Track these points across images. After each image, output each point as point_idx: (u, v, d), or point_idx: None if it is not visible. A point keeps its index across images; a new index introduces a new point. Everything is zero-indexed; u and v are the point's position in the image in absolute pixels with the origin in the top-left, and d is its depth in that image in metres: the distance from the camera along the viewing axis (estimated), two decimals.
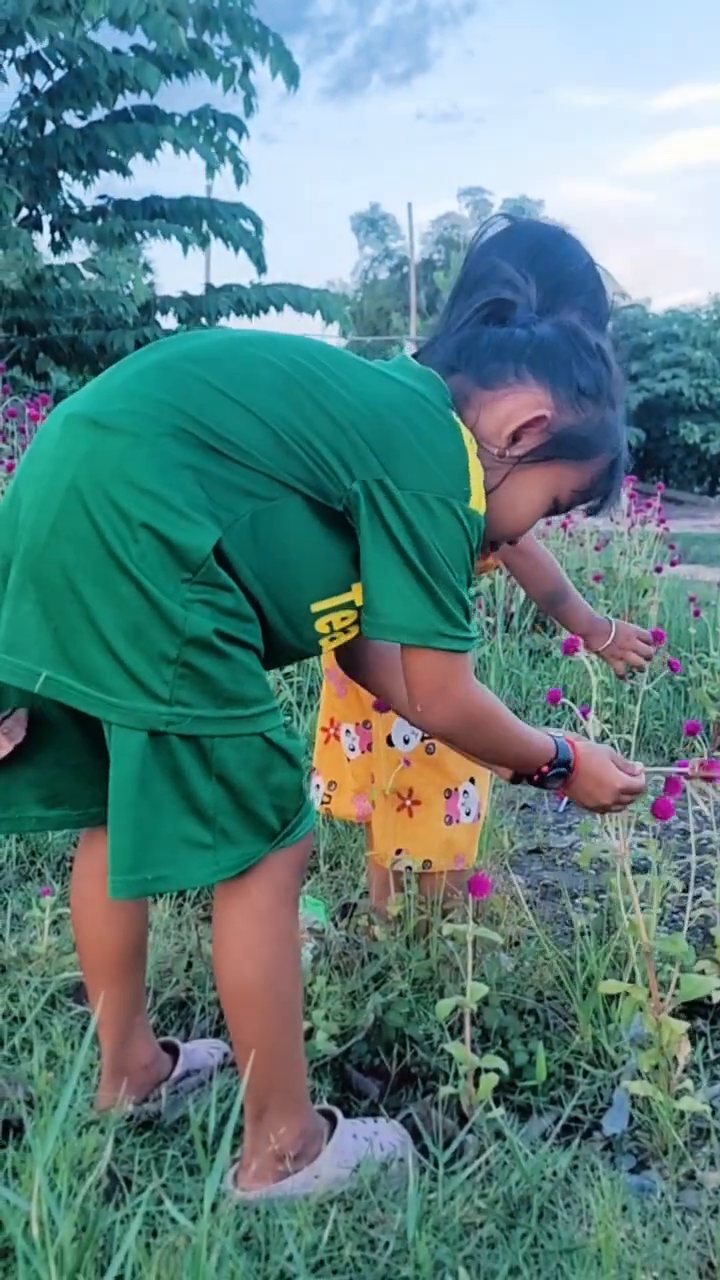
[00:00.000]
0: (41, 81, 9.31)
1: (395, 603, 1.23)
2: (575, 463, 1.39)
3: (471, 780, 1.93)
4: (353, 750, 1.97)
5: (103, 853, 1.28)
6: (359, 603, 1.28)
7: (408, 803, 1.90)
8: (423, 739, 1.87)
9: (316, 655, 1.40)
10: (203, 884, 1.24)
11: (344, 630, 1.32)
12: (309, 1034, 1.57)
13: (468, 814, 1.92)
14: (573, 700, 3.84)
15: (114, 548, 1.11)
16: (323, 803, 2.05)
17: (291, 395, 1.21)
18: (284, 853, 1.25)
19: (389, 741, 1.89)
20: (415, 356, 1.42)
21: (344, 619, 1.30)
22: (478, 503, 1.26)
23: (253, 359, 1.23)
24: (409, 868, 1.88)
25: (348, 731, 1.97)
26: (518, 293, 1.39)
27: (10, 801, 1.31)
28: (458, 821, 1.91)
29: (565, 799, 1.81)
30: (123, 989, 1.44)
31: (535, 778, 1.44)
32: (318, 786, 2.03)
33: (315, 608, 1.27)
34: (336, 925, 1.98)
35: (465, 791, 1.92)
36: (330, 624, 1.30)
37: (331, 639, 1.32)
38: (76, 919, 1.46)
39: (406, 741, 1.89)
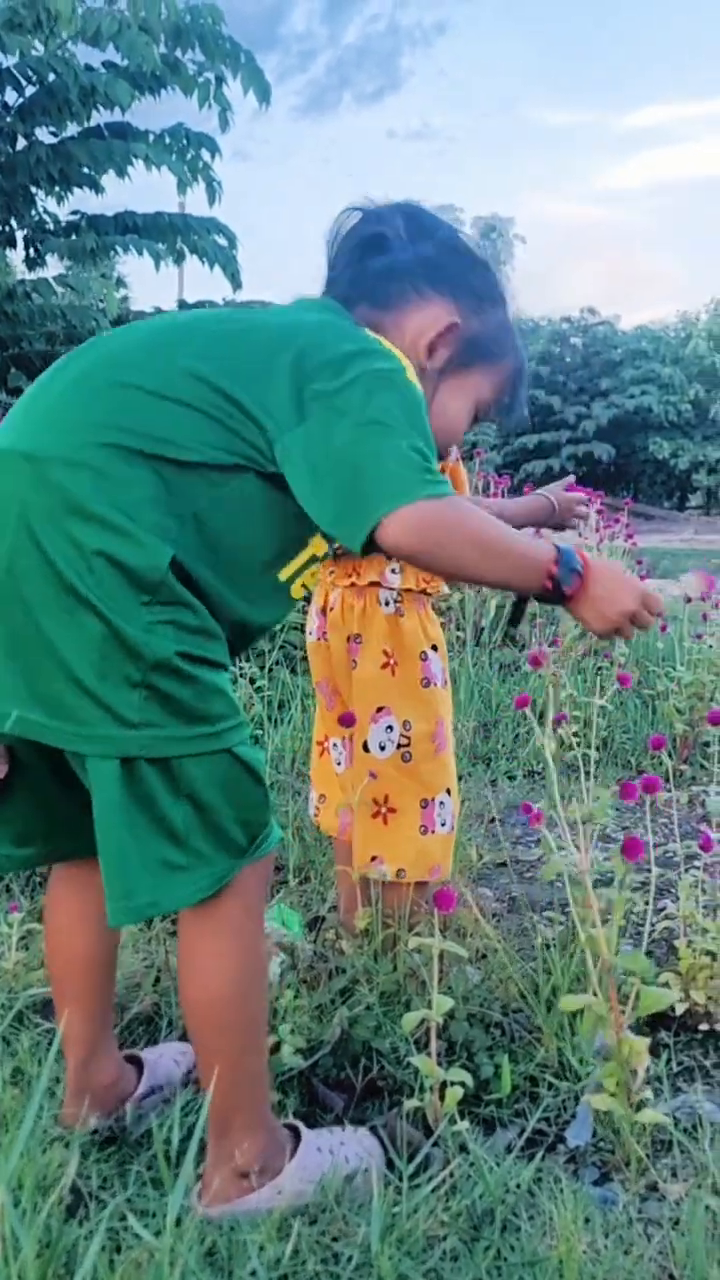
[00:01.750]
0: (12, 97, 9.30)
1: (340, 502, 1.17)
2: (489, 365, 1.44)
3: (448, 791, 1.95)
4: (339, 764, 1.99)
5: (74, 866, 1.35)
6: (319, 554, 1.30)
7: (383, 810, 1.91)
8: (398, 746, 1.89)
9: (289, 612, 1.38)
10: (186, 904, 1.23)
11: (313, 574, 1.34)
12: (275, 1048, 1.58)
13: (443, 824, 1.94)
14: (541, 716, 3.87)
15: (70, 579, 1.11)
16: (314, 814, 2.08)
17: (215, 358, 1.21)
18: (251, 867, 1.26)
19: (365, 748, 1.91)
20: None
21: (312, 573, 1.33)
22: (410, 377, 1.23)
23: (172, 345, 1.23)
24: (383, 876, 1.89)
25: (335, 745, 1.98)
26: (383, 223, 1.41)
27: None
28: (433, 831, 1.92)
29: (579, 631, 1.76)
30: (91, 1005, 1.44)
31: (549, 583, 1.26)
32: (313, 798, 2.07)
33: (283, 576, 1.29)
34: (308, 937, 1.99)
35: (441, 802, 1.94)
36: (303, 585, 1.33)
37: (304, 591, 1.35)
38: (49, 929, 1.46)
39: (382, 749, 1.90)
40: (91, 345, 1.28)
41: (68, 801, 1.27)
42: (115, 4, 8.65)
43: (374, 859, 1.91)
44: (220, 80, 9.12)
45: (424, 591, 1.95)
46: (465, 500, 1.22)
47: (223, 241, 10.55)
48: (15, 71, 8.96)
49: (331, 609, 1.96)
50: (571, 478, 2.19)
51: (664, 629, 4.52)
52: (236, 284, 10.83)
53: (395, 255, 1.38)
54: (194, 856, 1.20)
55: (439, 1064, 1.47)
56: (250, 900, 1.28)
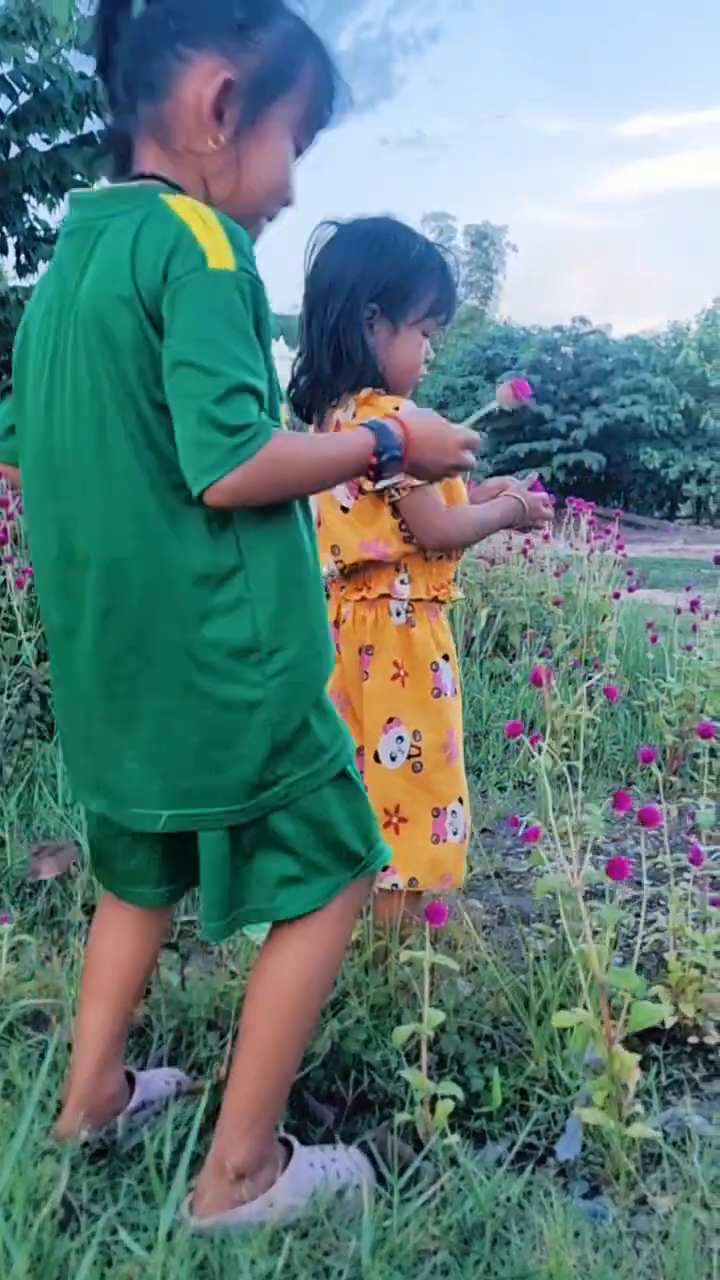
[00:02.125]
0: (6, 104, 9.31)
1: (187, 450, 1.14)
2: (286, 92, 1.29)
3: (460, 800, 1.96)
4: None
5: None
6: None
7: (395, 820, 1.92)
8: (409, 757, 1.90)
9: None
10: (297, 914, 1.31)
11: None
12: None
13: (454, 833, 1.95)
14: (532, 725, 3.88)
15: (190, 678, 1.21)
16: None
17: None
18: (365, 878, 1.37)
19: (375, 758, 1.91)
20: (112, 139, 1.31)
21: None
22: (219, 255, 1.14)
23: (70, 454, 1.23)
24: (394, 885, 1.90)
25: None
26: None
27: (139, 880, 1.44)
28: (444, 840, 1.93)
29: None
30: (119, 1011, 1.48)
31: (373, 467, 1.29)
32: None
33: None
34: None
35: (453, 811, 1.95)
36: None
37: None
38: (100, 932, 1.50)
39: (393, 759, 1.91)
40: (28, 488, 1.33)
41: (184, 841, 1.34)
42: None
43: (386, 869, 1.92)
44: None
45: (435, 599, 1.96)
46: (278, 436, 1.16)
47: None
48: (9, 79, 8.97)
49: (343, 621, 1.96)
50: (534, 476, 2.20)
51: (654, 640, 4.54)
52: None
53: (143, 16, 1.25)
54: (310, 868, 1.30)
55: (429, 1077, 1.48)
56: (353, 905, 1.38)
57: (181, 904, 2.24)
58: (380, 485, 1.46)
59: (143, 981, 1.51)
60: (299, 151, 1.35)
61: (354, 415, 1.88)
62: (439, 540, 1.90)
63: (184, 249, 1.13)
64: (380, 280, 1.88)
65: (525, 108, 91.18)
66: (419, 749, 1.91)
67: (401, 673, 1.92)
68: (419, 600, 1.94)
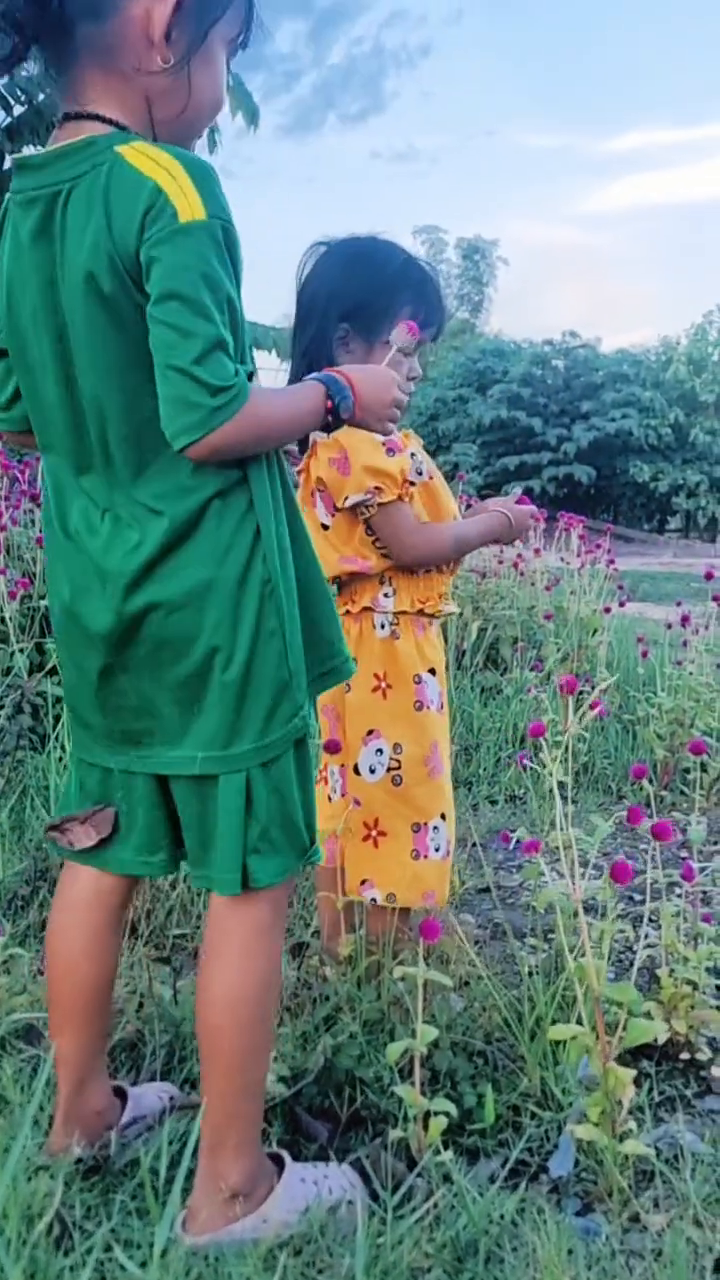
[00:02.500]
0: (1, 117, 9.33)
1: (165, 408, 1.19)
2: (225, 14, 1.29)
3: (442, 816, 1.95)
4: (334, 793, 1.99)
5: (88, 883, 1.42)
6: None
7: (373, 834, 1.91)
8: (388, 770, 1.90)
9: None
10: (264, 884, 1.31)
11: None
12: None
13: (436, 850, 1.94)
14: (523, 740, 3.88)
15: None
16: None
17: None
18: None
19: (355, 771, 1.92)
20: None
21: None
22: (189, 207, 1.15)
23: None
24: (374, 900, 1.90)
25: (333, 772, 1.98)
26: None
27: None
28: (425, 857, 1.93)
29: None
30: (88, 1030, 1.45)
31: (330, 418, 1.35)
32: None
33: None
34: (292, 964, 1.99)
35: (435, 827, 1.94)
36: None
37: None
38: (51, 949, 1.46)
39: (372, 771, 1.91)
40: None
41: (168, 808, 1.37)
42: None
43: (364, 883, 1.92)
44: None
45: (421, 612, 1.96)
46: (254, 395, 1.21)
47: None
48: (4, 92, 8.99)
49: None
50: (519, 491, 2.22)
51: (645, 655, 4.55)
52: None
53: None
54: (269, 845, 1.31)
55: (422, 1093, 1.48)
56: (279, 905, 1.36)
57: (173, 917, 2.24)
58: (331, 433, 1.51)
59: (107, 996, 1.48)
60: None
61: (328, 435, 1.89)
62: (412, 557, 1.91)
63: (155, 209, 1.15)
64: (351, 299, 1.90)
65: (515, 123, 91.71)
66: (399, 762, 1.91)
67: (384, 685, 1.92)
68: (403, 613, 1.94)
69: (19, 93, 9.00)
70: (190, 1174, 1.30)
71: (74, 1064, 1.43)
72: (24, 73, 8.61)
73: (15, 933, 2.15)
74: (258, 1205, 1.30)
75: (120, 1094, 1.54)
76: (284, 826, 1.33)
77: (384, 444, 1.86)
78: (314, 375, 1.36)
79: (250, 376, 1.23)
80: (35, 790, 2.80)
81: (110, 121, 1.24)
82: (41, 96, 8.97)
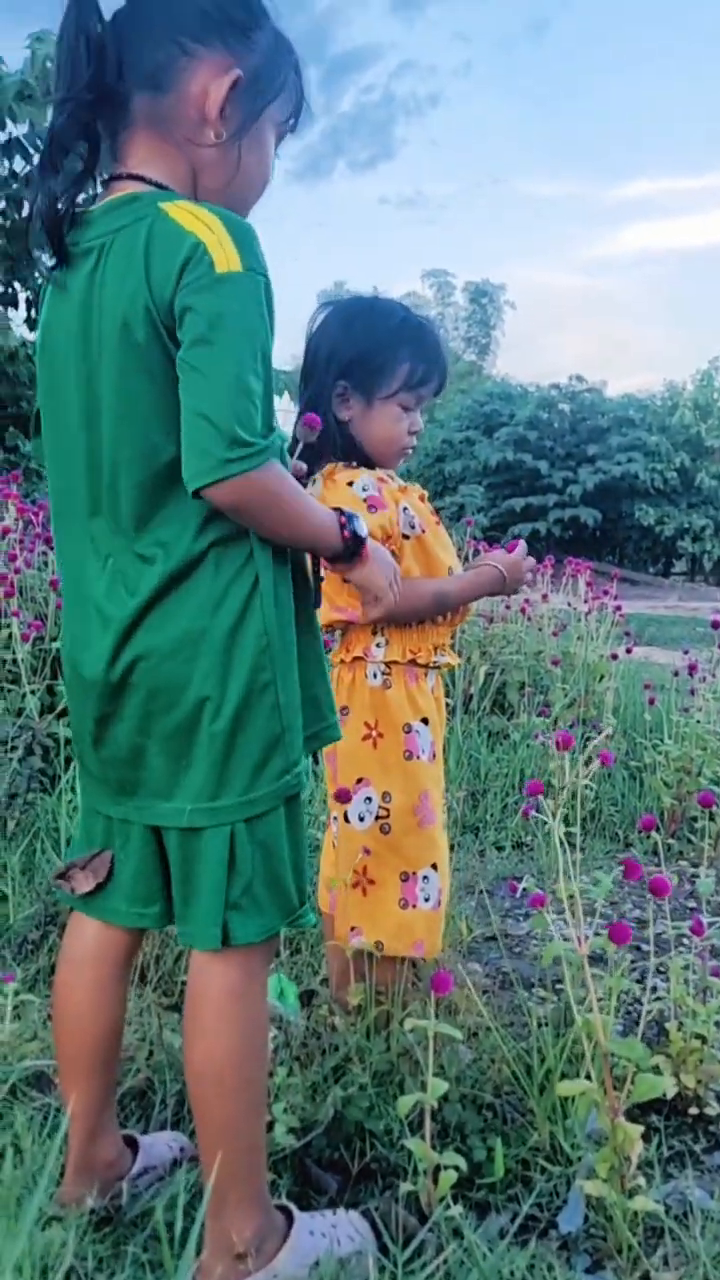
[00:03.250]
0: (20, 165, 9.48)
1: (186, 454, 1.20)
2: (278, 95, 1.34)
3: (433, 867, 1.96)
4: (337, 840, 2.00)
5: (92, 936, 1.42)
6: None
7: (363, 881, 1.93)
8: (376, 818, 1.91)
9: None
10: (243, 941, 1.30)
11: None
12: (269, 1126, 1.58)
13: (426, 900, 1.95)
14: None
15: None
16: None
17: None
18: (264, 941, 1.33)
19: (345, 819, 1.93)
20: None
21: None
22: (226, 259, 1.18)
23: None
24: (362, 947, 1.91)
25: (335, 819, 2.00)
26: None
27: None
28: (414, 906, 1.93)
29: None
30: (96, 1082, 1.45)
31: (346, 535, 1.37)
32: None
33: None
34: (302, 1012, 1.99)
35: (425, 877, 1.95)
36: None
37: None
38: (57, 1004, 1.47)
39: (361, 820, 1.93)
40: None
41: (162, 860, 1.37)
42: None
43: (353, 929, 1.93)
44: None
45: (413, 662, 1.98)
46: (273, 467, 1.22)
47: None
48: (24, 140, 9.15)
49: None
50: (520, 541, 2.23)
51: (652, 701, 4.56)
52: None
53: (130, 13, 1.27)
54: (251, 901, 1.30)
55: (432, 1146, 1.48)
56: (257, 965, 1.33)
57: (182, 963, 2.25)
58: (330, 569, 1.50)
59: (114, 1048, 1.47)
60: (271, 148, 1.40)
61: (321, 488, 1.94)
62: (380, 615, 1.93)
63: (194, 260, 1.17)
64: (348, 357, 1.94)
65: (523, 171, 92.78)
66: (387, 810, 1.93)
67: (374, 734, 1.94)
68: (395, 663, 1.96)
69: (38, 141, 9.16)
70: (204, 1225, 1.30)
71: (84, 1116, 1.43)
72: (45, 123, 8.77)
73: (26, 978, 2.16)
74: (268, 1261, 1.30)
75: (131, 1143, 1.54)
76: (269, 884, 1.31)
77: (365, 500, 1.89)
78: (345, 511, 1.39)
79: (284, 446, 1.25)
80: (45, 833, 2.81)
81: (156, 184, 1.28)
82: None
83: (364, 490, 1.91)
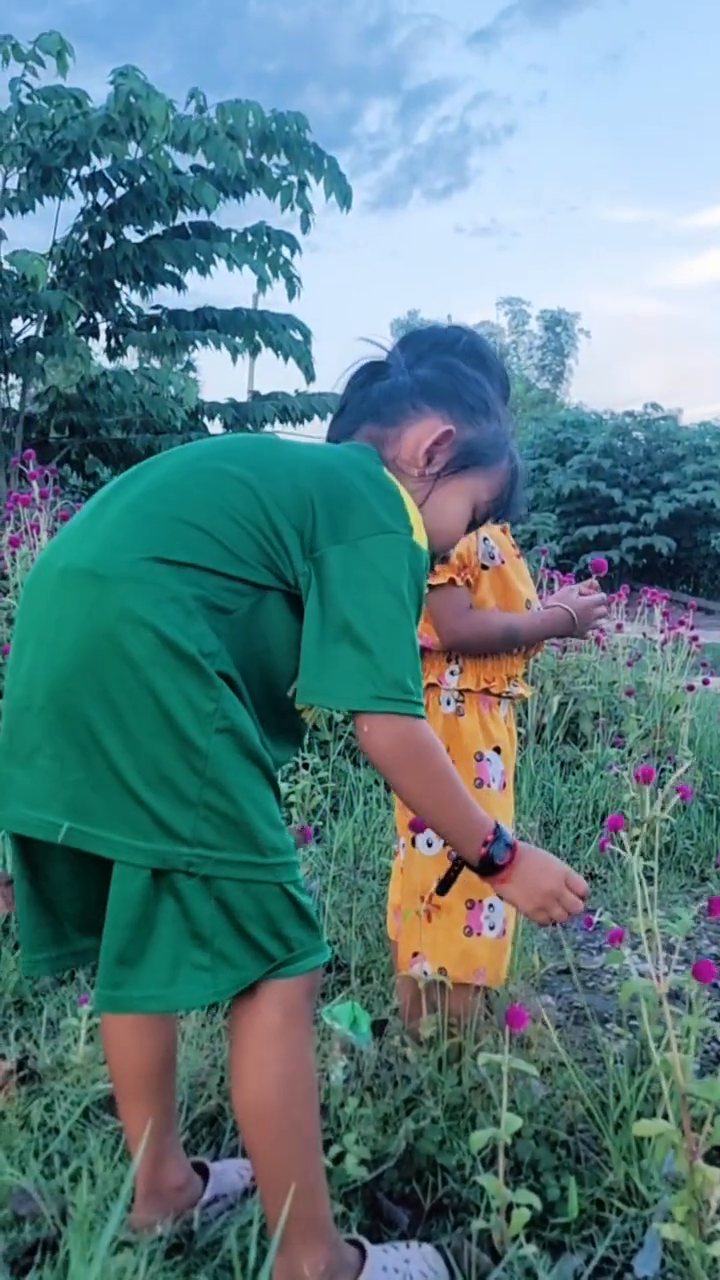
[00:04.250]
0: (103, 198, 9.73)
1: (331, 672, 1.24)
2: (484, 469, 1.53)
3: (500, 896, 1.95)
4: (405, 866, 2.01)
5: None
6: None
7: (429, 907, 1.92)
8: (445, 845, 1.91)
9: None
10: (198, 1005, 1.25)
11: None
12: (339, 1158, 1.57)
13: (491, 928, 1.94)
14: (603, 816, 3.84)
15: (141, 686, 1.16)
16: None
17: (248, 491, 1.27)
18: (295, 980, 1.26)
19: (413, 844, 1.93)
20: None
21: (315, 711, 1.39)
22: (420, 538, 1.34)
23: (211, 474, 1.30)
24: (425, 974, 1.89)
25: (403, 845, 2.01)
26: (388, 354, 1.56)
27: (59, 938, 1.34)
28: (479, 934, 1.92)
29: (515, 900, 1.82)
30: (152, 1108, 1.45)
31: (484, 850, 1.36)
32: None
33: (306, 715, 1.38)
34: (374, 1042, 1.98)
35: (491, 905, 1.94)
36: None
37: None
38: (106, 1036, 1.47)
39: (430, 845, 1.93)
40: (139, 472, 1.35)
41: (91, 891, 1.29)
42: (205, 112, 9.06)
43: (415, 955, 1.92)
44: (304, 184, 9.46)
45: (487, 690, 1.97)
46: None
47: (298, 336, 10.84)
48: (108, 174, 9.39)
49: None
50: (594, 581, 2.19)
51: None
52: (310, 376, 11.08)
53: (395, 380, 1.52)
54: (218, 958, 1.20)
55: (505, 1183, 1.46)
56: (293, 1004, 1.27)
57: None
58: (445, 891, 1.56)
59: (167, 1075, 1.47)
60: (473, 522, 1.57)
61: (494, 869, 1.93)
62: (451, 641, 1.94)
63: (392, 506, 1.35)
64: None
65: (598, 198, 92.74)
66: None
67: None
68: (469, 690, 1.96)
69: (121, 175, 9.39)
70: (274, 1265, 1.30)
71: (147, 1142, 1.43)
72: (126, 155, 8.99)
73: None
74: None
75: (202, 1170, 1.54)
76: (237, 938, 1.22)
77: None
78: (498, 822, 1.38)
79: None
80: None
81: None
82: (143, 179, 9.35)
83: None
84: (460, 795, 1.34)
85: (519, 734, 4.64)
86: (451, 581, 1.91)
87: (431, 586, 1.90)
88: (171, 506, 1.25)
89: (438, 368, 1.53)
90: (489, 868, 1.38)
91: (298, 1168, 1.27)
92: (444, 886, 1.67)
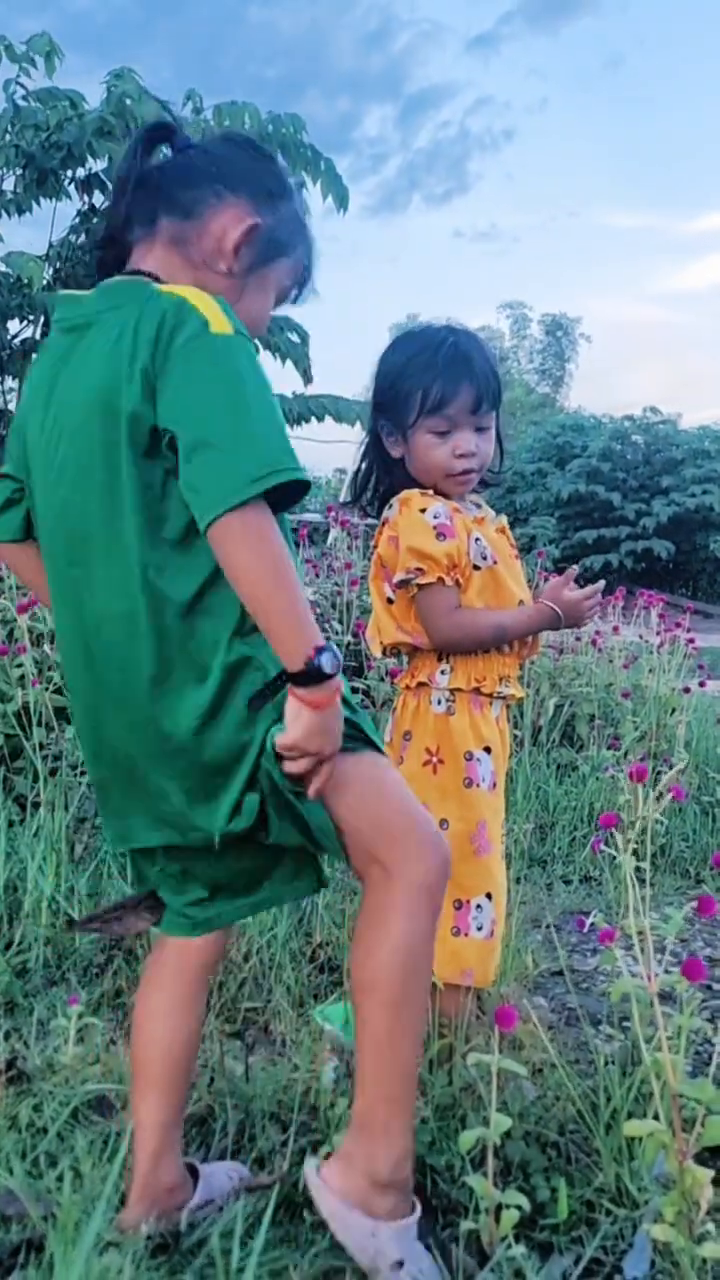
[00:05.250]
0: (99, 200, 9.71)
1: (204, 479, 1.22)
2: (286, 257, 1.52)
3: (488, 896, 1.94)
4: None
5: (171, 951, 1.49)
6: None
7: None
8: None
9: None
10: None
11: None
12: (327, 1158, 1.56)
13: (479, 929, 1.93)
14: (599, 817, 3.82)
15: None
16: None
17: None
18: (428, 868, 1.36)
19: None
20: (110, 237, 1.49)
21: None
22: (218, 322, 1.28)
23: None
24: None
25: None
26: (172, 119, 1.52)
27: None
28: (466, 935, 1.92)
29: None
30: (169, 1098, 1.48)
31: (311, 653, 1.24)
32: None
33: None
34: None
35: (479, 906, 1.93)
36: None
37: None
38: (138, 1020, 1.51)
39: None
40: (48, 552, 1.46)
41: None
42: (201, 114, 9.05)
43: None
44: (301, 186, 9.45)
45: (478, 690, 1.97)
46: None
47: (295, 338, 10.82)
48: (104, 176, 9.37)
49: (395, 710, 2.01)
50: (575, 569, 2.19)
51: None
52: (308, 379, 11.06)
53: (189, 157, 1.48)
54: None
55: (495, 1184, 1.45)
56: (427, 890, 1.37)
57: (245, 989, 2.24)
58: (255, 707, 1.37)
59: (190, 1066, 1.52)
60: (274, 305, 1.57)
61: (397, 512, 1.97)
62: (441, 640, 1.94)
63: (184, 317, 1.28)
64: (376, 398, 2.02)
65: (598, 204, 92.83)
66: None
67: (435, 760, 1.94)
68: (459, 690, 1.96)
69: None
70: (263, 1248, 1.29)
71: (152, 1138, 1.45)
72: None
73: (90, 1001, 2.17)
74: (387, 1216, 1.33)
75: (193, 1172, 1.53)
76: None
77: (435, 528, 1.91)
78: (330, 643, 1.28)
79: None
80: (112, 857, 2.83)
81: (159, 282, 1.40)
82: None
83: (435, 518, 1.92)
84: (300, 590, 1.25)
85: (514, 736, 4.63)
86: (440, 581, 1.90)
87: (420, 586, 1.90)
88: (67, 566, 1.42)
89: (230, 143, 1.52)
90: (312, 677, 1.24)
91: (401, 1044, 1.35)
92: (257, 701, 1.34)
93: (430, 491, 1.99)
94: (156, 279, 1.39)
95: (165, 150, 1.51)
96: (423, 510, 1.93)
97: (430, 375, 1.94)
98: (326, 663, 1.24)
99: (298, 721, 1.26)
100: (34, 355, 10.01)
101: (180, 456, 1.23)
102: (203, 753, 1.32)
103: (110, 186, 9.10)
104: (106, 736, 1.40)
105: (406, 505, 1.96)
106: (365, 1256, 1.32)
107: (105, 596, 1.33)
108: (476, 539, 1.96)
